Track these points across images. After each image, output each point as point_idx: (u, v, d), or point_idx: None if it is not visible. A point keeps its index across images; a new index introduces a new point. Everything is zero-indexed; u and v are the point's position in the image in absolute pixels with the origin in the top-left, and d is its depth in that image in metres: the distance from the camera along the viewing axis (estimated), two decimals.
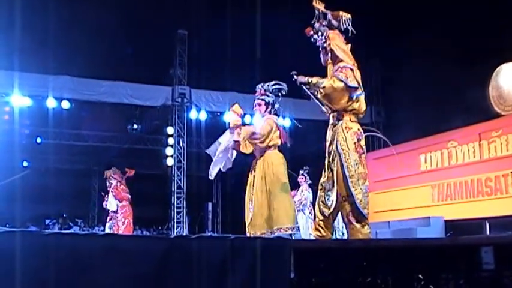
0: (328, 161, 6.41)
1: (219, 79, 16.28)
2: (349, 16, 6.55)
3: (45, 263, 3.71)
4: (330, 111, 6.50)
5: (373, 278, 4.40)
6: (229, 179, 20.97)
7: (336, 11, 6.58)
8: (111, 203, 13.28)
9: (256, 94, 7.83)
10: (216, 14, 13.93)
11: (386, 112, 17.89)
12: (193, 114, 17.39)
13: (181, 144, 17.40)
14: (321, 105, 6.56)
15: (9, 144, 16.61)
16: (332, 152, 6.35)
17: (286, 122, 17.07)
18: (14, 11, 12.36)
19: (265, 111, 7.78)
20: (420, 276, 4.48)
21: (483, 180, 13.49)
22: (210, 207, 22.16)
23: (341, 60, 6.39)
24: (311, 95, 6.34)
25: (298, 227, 8.06)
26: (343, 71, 6.27)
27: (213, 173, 7.89)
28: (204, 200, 22.30)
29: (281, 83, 7.79)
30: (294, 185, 12.78)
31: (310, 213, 12.43)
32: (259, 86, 7.85)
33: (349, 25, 6.51)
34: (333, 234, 6.65)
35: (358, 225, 6.09)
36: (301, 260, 4.09)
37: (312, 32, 6.55)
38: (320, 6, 6.57)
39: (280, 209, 7.30)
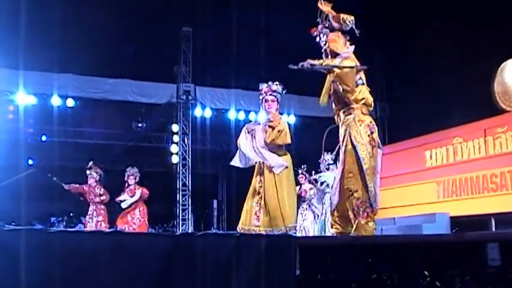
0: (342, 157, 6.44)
1: (223, 76, 16.29)
2: (351, 18, 6.54)
3: (51, 260, 3.72)
4: (339, 106, 6.51)
5: (378, 274, 4.39)
6: (234, 176, 20.97)
7: (339, 12, 6.58)
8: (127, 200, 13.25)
9: (266, 91, 7.72)
10: (220, 11, 13.94)
11: (391, 108, 17.85)
12: (198, 112, 17.38)
13: (186, 142, 17.40)
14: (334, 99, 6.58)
15: (15, 143, 16.62)
16: (344, 148, 6.36)
17: (291, 119, 17.11)
18: (19, 9, 12.37)
19: (276, 109, 7.73)
20: (426, 272, 4.48)
21: (488, 176, 13.47)
22: (215, 205, 22.16)
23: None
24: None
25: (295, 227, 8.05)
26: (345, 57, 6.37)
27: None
28: (209, 197, 22.29)
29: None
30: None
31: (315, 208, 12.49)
32: (269, 83, 7.76)
33: (352, 26, 6.52)
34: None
35: (362, 221, 6.09)
36: (306, 257, 4.09)
37: (316, 33, 6.58)
38: (324, 8, 6.57)
39: (289, 208, 7.31)
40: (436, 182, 14.80)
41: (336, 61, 6.32)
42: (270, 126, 7.41)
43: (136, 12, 14.63)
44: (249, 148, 7.52)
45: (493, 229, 12.63)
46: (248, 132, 7.57)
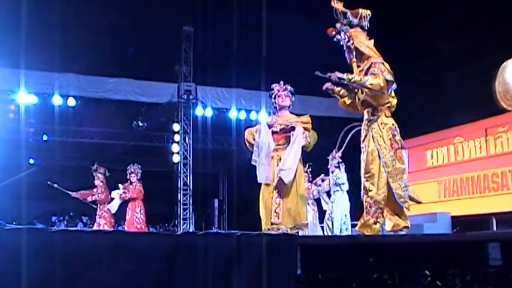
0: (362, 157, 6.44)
1: (224, 75, 16.27)
2: (368, 12, 6.53)
3: (52, 259, 3.72)
4: (363, 108, 6.49)
5: (379, 274, 4.40)
6: (235, 176, 20.99)
7: (355, 9, 6.57)
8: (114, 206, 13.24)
9: (279, 88, 7.77)
10: (221, 10, 13.93)
11: None
12: (199, 111, 17.37)
13: (187, 141, 17.40)
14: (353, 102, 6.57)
15: (16, 142, 16.62)
16: (365, 148, 6.37)
17: None
18: (20, 8, 12.37)
19: (289, 106, 7.80)
20: (427, 272, 4.48)
21: (490, 176, 13.48)
22: (216, 204, 22.13)
23: (369, 57, 6.40)
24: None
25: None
26: (378, 66, 6.28)
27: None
28: (210, 196, 22.28)
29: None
30: None
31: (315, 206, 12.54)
32: (281, 83, 7.83)
33: (367, 21, 6.51)
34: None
35: (371, 220, 6.12)
36: (307, 256, 4.09)
37: (334, 32, 6.54)
38: (339, 6, 6.54)
39: (298, 207, 7.39)
40: (437, 181, 14.81)
41: (365, 79, 6.23)
42: (306, 129, 7.53)
43: (137, 12, 14.63)
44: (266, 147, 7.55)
45: (494, 229, 12.63)
46: (269, 128, 7.61)
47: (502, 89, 13.49)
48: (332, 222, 11.62)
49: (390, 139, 6.29)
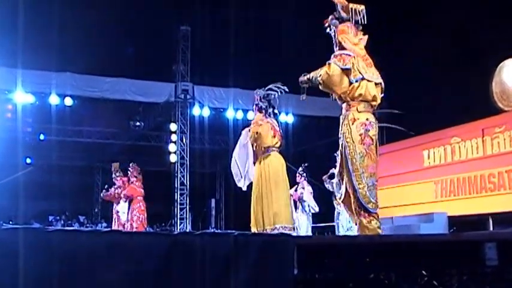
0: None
1: (221, 75, 16.29)
2: (361, 8, 6.45)
3: (48, 259, 3.72)
4: (341, 102, 6.32)
5: (376, 274, 4.40)
6: (232, 176, 20.99)
7: (348, 3, 6.52)
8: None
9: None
10: (218, 10, 13.95)
11: (389, 108, 17.76)
12: (196, 111, 17.39)
13: (184, 141, 17.41)
14: (334, 99, 6.54)
15: (13, 141, 16.62)
16: (340, 145, 6.27)
17: (289, 118, 17.08)
18: (17, 8, 12.36)
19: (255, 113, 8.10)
20: (423, 272, 4.48)
21: (486, 176, 13.48)
22: (213, 204, 22.18)
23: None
24: (304, 91, 6.40)
25: (294, 227, 8.20)
26: (338, 57, 6.17)
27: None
28: (207, 196, 22.32)
29: (274, 87, 7.95)
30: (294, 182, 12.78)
31: (309, 209, 12.47)
32: (255, 91, 8.02)
33: (362, 16, 6.44)
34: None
35: (364, 220, 6.03)
36: (304, 256, 4.09)
37: (326, 25, 6.51)
38: None
39: (276, 208, 7.46)
40: (434, 181, 14.80)
41: (318, 72, 6.23)
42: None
43: (135, 11, 14.63)
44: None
45: (491, 229, 12.64)
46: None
47: (499, 89, 13.48)
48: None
49: (361, 134, 6.04)
